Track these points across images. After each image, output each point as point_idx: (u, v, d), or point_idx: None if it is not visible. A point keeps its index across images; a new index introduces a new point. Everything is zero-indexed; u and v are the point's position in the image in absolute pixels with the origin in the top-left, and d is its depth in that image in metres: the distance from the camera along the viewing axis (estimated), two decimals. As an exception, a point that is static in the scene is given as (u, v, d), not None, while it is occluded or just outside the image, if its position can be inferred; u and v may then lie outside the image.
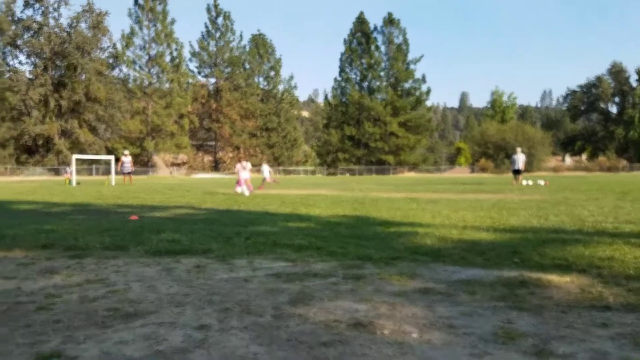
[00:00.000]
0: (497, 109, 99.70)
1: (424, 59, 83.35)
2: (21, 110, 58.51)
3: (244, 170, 16.61)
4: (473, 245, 5.21)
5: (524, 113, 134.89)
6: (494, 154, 79.32)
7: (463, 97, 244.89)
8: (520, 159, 24.50)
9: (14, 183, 30.70)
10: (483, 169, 77.36)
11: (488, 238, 5.77)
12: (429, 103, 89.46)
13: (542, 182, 24.52)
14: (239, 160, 17.75)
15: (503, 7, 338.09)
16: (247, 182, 16.34)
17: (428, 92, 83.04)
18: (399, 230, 6.43)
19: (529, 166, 77.08)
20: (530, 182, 24.56)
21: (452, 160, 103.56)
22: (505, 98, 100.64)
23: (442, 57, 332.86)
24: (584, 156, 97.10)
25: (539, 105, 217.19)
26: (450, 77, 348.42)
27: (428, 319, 2.81)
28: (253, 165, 21.78)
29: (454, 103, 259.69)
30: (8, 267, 4.31)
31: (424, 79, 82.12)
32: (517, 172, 24.55)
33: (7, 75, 58.22)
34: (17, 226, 6.74)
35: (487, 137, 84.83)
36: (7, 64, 59.82)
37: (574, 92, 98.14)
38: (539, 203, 11.29)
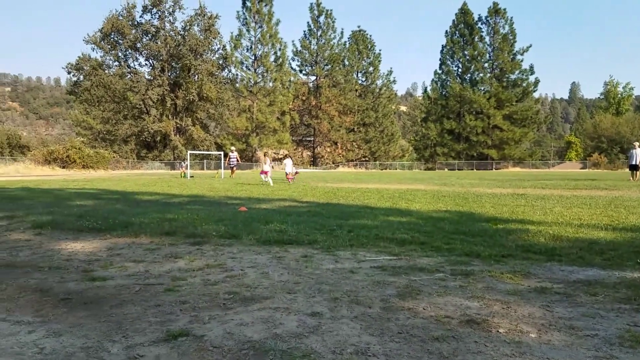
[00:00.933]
0: (612, 100, 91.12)
1: (532, 48, 78.21)
2: (141, 109, 64.03)
3: (267, 165, 20.43)
4: (591, 245, 4.88)
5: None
6: (607, 149, 73.02)
7: (573, 88, 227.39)
8: (638, 153, 22.33)
9: (135, 176, 33.69)
10: (596, 164, 71.55)
11: (607, 237, 5.36)
12: (536, 94, 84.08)
13: None
14: (265, 155, 22.11)
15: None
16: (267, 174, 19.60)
17: (536, 83, 78.10)
18: (507, 227, 6.15)
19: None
20: None
21: (562, 155, 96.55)
22: (620, 89, 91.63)
23: (551, 46, 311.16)
24: None
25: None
26: (559, 67, 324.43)
27: (546, 319, 2.69)
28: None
29: (564, 94, 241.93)
30: (137, 251, 4.76)
31: (531, 70, 77.34)
32: (634, 167, 22.43)
33: (128, 77, 63.72)
34: (142, 215, 7.40)
35: (601, 130, 78.30)
36: (129, 66, 65.52)
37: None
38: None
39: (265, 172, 19.79)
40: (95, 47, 61.53)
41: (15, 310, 2.89)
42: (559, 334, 2.46)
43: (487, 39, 79.13)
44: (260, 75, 73.07)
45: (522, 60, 77.14)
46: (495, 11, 77.77)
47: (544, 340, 2.37)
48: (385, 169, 79.03)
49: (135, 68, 65.47)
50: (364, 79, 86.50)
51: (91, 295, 3.19)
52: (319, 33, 79.22)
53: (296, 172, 22.78)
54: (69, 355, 2.21)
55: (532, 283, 3.49)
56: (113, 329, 2.55)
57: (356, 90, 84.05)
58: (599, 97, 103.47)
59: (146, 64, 66.16)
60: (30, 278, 3.69)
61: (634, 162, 22.53)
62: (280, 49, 73.24)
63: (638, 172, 22.37)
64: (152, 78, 63.53)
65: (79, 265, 4.13)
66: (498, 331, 2.48)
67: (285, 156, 22.97)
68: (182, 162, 37.03)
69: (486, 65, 79.21)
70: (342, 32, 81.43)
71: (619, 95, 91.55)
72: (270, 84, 73.06)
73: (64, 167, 43.02)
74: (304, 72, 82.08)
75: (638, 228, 6.07)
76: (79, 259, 4.42)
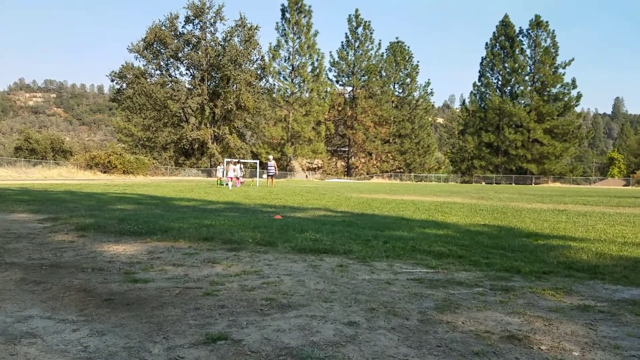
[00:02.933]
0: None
1: (574, 62, 76.14)
2: (180, 117, 65.54)
3: (231, 171, 24.64)
4: (636, 263, 4.73)
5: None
6: (651, 165, 70.45)
7: (617, 103, 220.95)
8: None
9: (174, 182, 34.41)
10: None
11: (653, 256, 5.15)
12: (578, 109, 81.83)
13: None
14: (234, 164, 26.09)
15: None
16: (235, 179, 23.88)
17: (578, 97, 76.02)
18: (548, 243, 5.98)
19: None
20: None
21: (604, 171, 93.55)
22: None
23: (594, 60, 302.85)
24: None
25: None
26: (602, 81, 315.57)
27: (590, 337, 2.61)
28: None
29: (607, 109, 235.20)
30: (176, 255, 4.85)
31: (573, 84, 75.40)
32: None
33: (169, 85, 65.32)
34: (180, 220, 7.56)
35: (645, 147, 75.66)
36: (170, 75, 67.20)
37: None
38: None
39: (230, 178, 24.30)
40: (138, 56, 63.39)
41: (60, 309, 2.99)
42: (603, 353, 2.38)
43: (528, 51, 77.78)
44: (297, 86, 73.80)
45: (564, 74, 75.43)
46: (537, 24, 76.36)
47: (587, 358, 2.30)
48: (421, 181, 78.22)
49: (176, 77, 67.13)
50: (400, 90, 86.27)
51: (133, 297, 3.27)
52: (356, 44, 79.53)
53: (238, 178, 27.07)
54: (112, 355, 2.26)
55: (575, 301, 3.39)
56: (154, 330, 2.61)
57: (392, 101, 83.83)
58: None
59: (187, 73, 67.82)
60: (74, 278, 3.81)
61: None
62: (317, 60, 73.88)
63: None
64: (192, 87, 64.99)
65: (121, 267, 4.24)
66: (540, 348, 2.42)
67: (237, 162, 28.00)
68: (218, 167, 37.67)
69: (527, 78, 77.75)
70: (379, 44, 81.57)
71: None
72: (307, 94, 73.68)
73: (105, 172, 44.32)
74: (340, 82, 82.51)
75: (686, 248, 5.81)
76: (121, 261, 4.55)
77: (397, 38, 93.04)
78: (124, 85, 64.74)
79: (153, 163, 55.15)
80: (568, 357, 2.31)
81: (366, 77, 79.76)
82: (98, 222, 7.09)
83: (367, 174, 79.63)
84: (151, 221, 7.20)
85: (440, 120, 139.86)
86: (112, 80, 65.49)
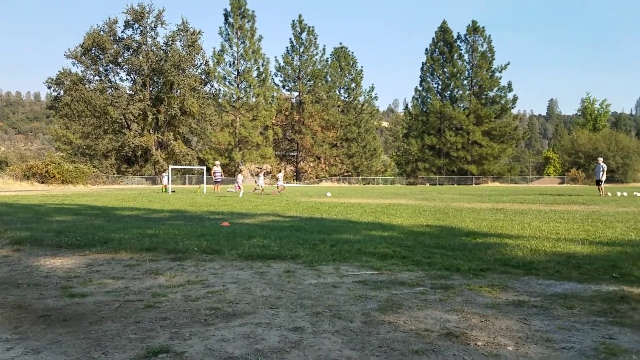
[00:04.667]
0: (589, 116, 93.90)
1: (510, 66, 79.64)
2: (122, 124, 63.46)
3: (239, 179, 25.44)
4: (568, 259, 4.98)
5: (618, 121, 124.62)
6: (585, 164, 74.85)
7: (551, 105, 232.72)
8: (599, 169, 22.93)
9: (116, 191, 33.22)
10: (574, 180, 73.33)
11: (583, 251, 5.48)
12: (514, 111, 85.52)
13: (638, 194, 22.96)
14: (241, 172, 27.75)
15: (594, 8, 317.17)
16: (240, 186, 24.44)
17: (514, 100, 79.56)
18: (486, 242, 6.24)
19: (624, 177, 71.96)
20: (625, 194, 23.18)
21: (540, 170, 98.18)
22: (597, 105, 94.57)
23: (529, 63, 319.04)
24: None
25: (634, 112, 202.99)
26: (537, 84, 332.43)
27: (523, 332, 2.74)
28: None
29: (542, 110, 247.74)
30: (116, 268, 4.71)
31: (509, 87, 78.88)
32: (598, 182, 23.01)
33: (109, 91, 63.09)
34: (122, 230, 7.33)
35: (578, 146, 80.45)
36: (110, 81, 64.83)
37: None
38: (637, 215, 10.46)
39: (237, 186, 24.72)
40: (76, 62, 60.96)
41: (-8, 328, 2.85)
42: (536, 346, 2.51)
43: (466, 56, 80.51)
44: (243, 91, 73.15)
45: (500, 78, 78.60)
46: (474, 29, 79.35)
47: (521, 353, 2.42)
48: (368, 183, 79.36)
49: (116, 83, 64.97)
50: (346, 95, 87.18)
51: (70, 312, 3.15)
52: (301, 49, 79.78)
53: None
54: (48, 373, 2.18)
55: (510, 296, 3.55)
56: (92, 346, 2.53)
57: (339, 106, 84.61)
58: (576, 114, 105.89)
59: (127, 79, 65.66)
60: (9, 295, 3.64)
61: (598, 178, 23.06)
62: (263, 65, 73.45)
63: (602, 187, 22.81)
64: (133, 93, 63.04)
65: (58, 282, 4.08)
66: (476, 344, 2.52)
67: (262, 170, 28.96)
68: (163, 174, 36.73)
69: (465, 82, 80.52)
70: (324, 49, 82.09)
71: (596, 112, 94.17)
72: (253, 99, 73.12)
73: (42, 183, 42.25)
74: (286, 87, 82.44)
75: (614, 242, 6.21)
76: (58, 275, 4.37)
77: (340, 43, 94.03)
78: (62, 92, 62.09)
79: (93, 172, 53.03)
80: (503, 352, 2.43)
81: (312, 82, 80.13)
82: (34, 235, 6.78)
83: (316, 178, 79.97)
84: (90, 232, 6.95)
85: (385, 124, 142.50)
86: (49, 88, 62.71)
